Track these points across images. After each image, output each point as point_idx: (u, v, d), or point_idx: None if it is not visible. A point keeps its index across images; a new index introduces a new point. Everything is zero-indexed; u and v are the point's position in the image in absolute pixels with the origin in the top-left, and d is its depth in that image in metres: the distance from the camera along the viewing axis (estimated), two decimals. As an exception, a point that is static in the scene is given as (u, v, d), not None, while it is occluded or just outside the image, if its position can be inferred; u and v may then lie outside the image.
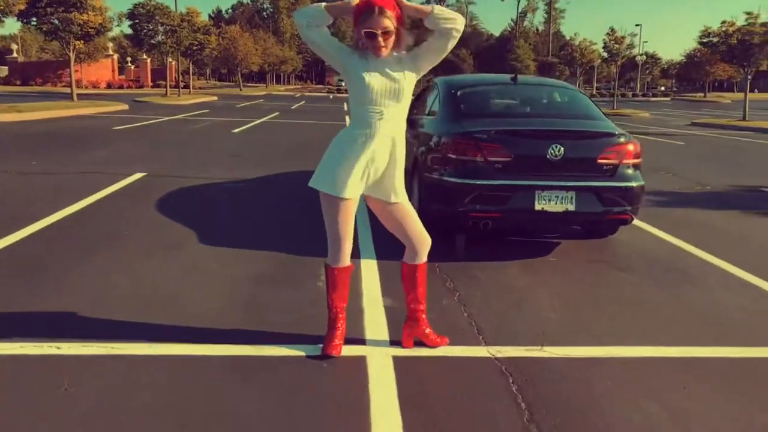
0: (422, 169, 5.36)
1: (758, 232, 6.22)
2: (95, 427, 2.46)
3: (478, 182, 4.72)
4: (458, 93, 5.65)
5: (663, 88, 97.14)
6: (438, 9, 2.86)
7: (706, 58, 29.59)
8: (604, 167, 4.79)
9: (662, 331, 3.64)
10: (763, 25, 23.61)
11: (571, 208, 4.71)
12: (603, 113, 5.46)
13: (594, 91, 67.32)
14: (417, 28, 3.31)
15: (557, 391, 2.88)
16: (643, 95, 66.93)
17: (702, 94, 68.46)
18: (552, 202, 4.70)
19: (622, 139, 4.87)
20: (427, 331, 3.27)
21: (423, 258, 3.21)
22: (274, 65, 72.04)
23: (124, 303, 3.77)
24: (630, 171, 4.87)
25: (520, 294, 4.22)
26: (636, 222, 6.11)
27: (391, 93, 2.91)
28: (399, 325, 3.48)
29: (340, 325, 3.21)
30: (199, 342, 3.26)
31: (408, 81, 2.97)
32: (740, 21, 24.69)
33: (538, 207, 4.70)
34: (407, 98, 3.01)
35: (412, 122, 6.55)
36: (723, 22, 25.02)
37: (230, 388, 2.80)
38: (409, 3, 2.89)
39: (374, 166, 2.95)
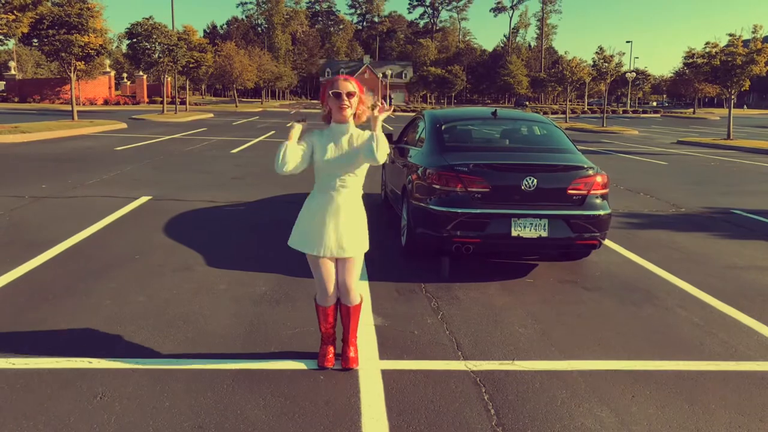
0: (410, 197, 5.85)
1: (721, 255, 6.71)
2: (128, 428, 2.91)
3: (460, 210, 5.22)
4: (442, 127, 6.16)
5: (655, 104, 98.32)
6: (380, 134, 3.23)
7: (693, 76, 30.40)
8: (574, 197, 5.29)
9: (619, 345, 4.12)
10: (745, 46, 24.37)
11: (544, 234, 5.20)
12: (575, 147, 5.97)
13: (585, 107, 68.29)
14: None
15: (523, 399, 3.35)
16: (634, 111, 67.91)
17: (691, 111, 69.53)
18: (527, 229, 5.19)
19: (590, 172, 5.37)
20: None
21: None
22: (269, 81, 72.72)
23: (142, 321, 4.22)
24: (598, 200, 5.37)
25: (497, 312, 4.69)
26: (610, 243, 6.63)
27: (347, 163, 3.35)
28: (388, 341, 3.97)
29: (331, 341, 3.70)
30: (211, 356, 3.72)
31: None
32: (723, 42, 25.47)
33: (514, 233, 5.19)
34: (362, 167, 3.42)
35: (402, 150, 7.07)
36: (707, 44, 25.75)
37: (239, 397, 3.25)
38: (376, 112, 3.28)
39: (339, 225, 3.41)
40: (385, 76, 77.46)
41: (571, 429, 3.07)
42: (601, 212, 5.33)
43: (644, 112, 70.06)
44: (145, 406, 3.12)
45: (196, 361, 3.66)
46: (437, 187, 5.39)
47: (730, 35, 24.81)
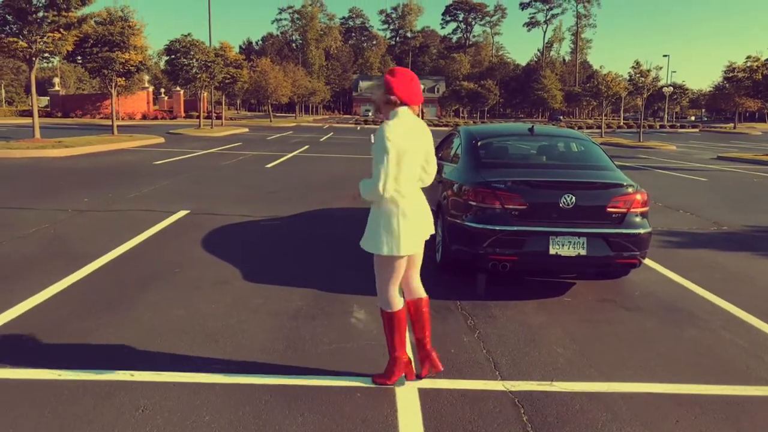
0: (446, 213, 5.84)
1: (765, 275, 6.52)
2: (169, 443, 2.96)
3: (497, 228, 5.19)
4: (479, 143, 6.15)
5: (693, 118, 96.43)
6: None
7: (734, 90, 29.68)
8: (613, 215, 5.22)
9: (661, 367, 4.03)
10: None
11: (583, 252, 5.13)
12: (614, 163, 5.90)
13: (621, 122, 67.37)
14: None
15: (563, 421, 3.30)
16: (671, 126, 66.71)
17: (732, 125, 68.00)
18: (565, 247, 5.13)
19: (630, 190, 5.30)
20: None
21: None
22: (303, 96, 73.63)
23: (182, 334, 4.29)
24: (637, 219, 5.28)
25: (535, 331, 4.63)
26: (649, 262, 6.50)
27: (423, 155, 3.57)
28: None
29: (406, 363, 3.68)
30: (249, 371, 3.75)
31: None
32: (765, 55, 24.94)
33: (552, 251, 5.13)
34: None
35: (437, 166, 7.05)
36: (748, 57, 25.26)
37: (277, 412, 3.27)
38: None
39: (426, 218, 3.55)
40: (417, 90, 77.45)
41: (613, 453, 3.01)
42: (641, 231, 5.24)
43: (682, 126, 68.78)
44: (185, 419, 3.16)
45: (235, 375, 3.69)
46: (473, 203, 5.37)
47: (772, 49, 24.29)
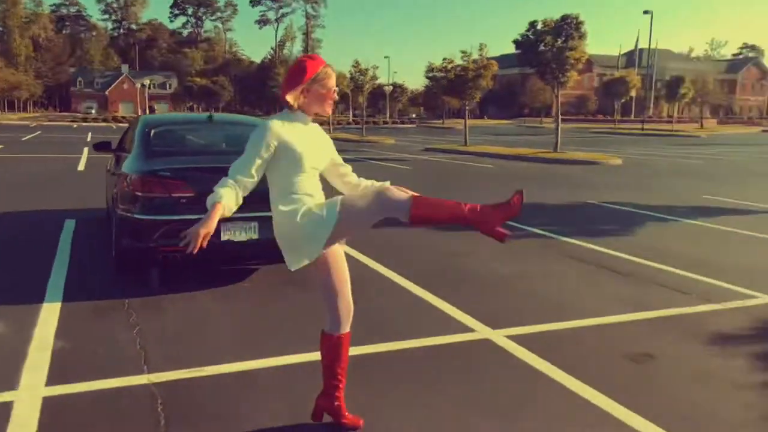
0: (116, 207, 5.43)
1: (434, 243, 7.36)
2: None
3: (165, 218, 4.96)
4: (151, 132, 5.84)
5: (414, 116, 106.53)
6: None
7: (436, 89, 33.35)
8: (283, 198, 5.34)
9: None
10: (474, 62, 27.48)
11: (255, 236, 5.17)
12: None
13: (350, 119, 71.53)
14: None
15: (198, 405, 3.23)
16: (393, 122, 72.83)
17: (442, 121, 76.65)
18: (237, 232, 5.11)
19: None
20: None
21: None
22: (4, 91, 64.07)
23: None
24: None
25: (203, 320, 4.53)
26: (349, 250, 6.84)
27: (325, 158, 3.03)
28: (62, 365, 3.60)
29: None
30: None
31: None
32: (458, 59, 28.41)
33: (223, 237, 5.07)
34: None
35: (118, 159, 6.56)
36: (444, 59, 28.54)
37: None
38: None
39: None
40: (144, 85, 73.05)
41: (247, 426, 3.02)
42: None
43: (403, 123, 75.51)
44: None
45: None
46: (140, 194, 5.06)
47: (463, 52, 27.82)
